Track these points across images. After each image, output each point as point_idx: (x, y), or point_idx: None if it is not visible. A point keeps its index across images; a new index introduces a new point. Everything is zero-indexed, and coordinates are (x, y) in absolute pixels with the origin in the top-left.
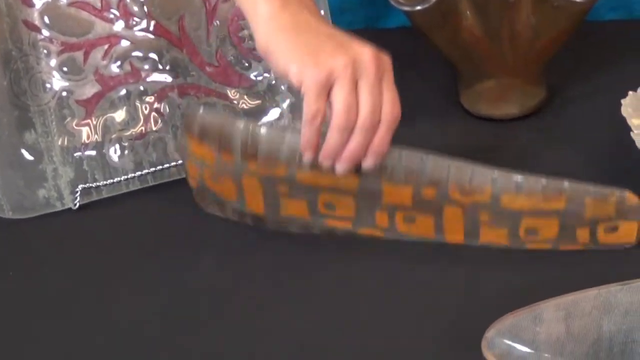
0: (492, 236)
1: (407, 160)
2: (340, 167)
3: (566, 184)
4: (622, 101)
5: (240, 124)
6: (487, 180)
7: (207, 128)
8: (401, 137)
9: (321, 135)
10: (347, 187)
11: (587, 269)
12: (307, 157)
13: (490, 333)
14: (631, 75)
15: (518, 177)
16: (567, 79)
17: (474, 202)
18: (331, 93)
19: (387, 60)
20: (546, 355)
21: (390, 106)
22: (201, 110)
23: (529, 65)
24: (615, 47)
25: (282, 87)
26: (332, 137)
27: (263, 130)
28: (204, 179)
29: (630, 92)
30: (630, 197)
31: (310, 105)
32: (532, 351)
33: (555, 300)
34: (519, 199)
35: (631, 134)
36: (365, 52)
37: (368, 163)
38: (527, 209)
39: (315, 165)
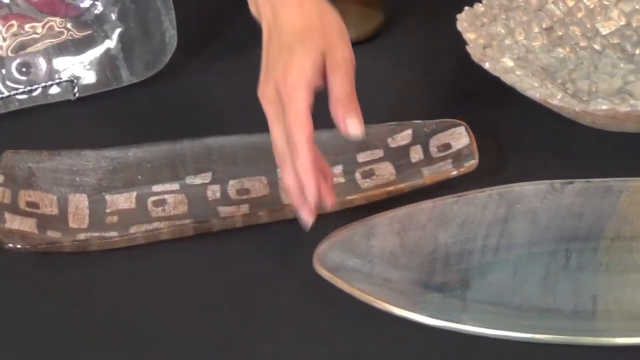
0: None
1: None
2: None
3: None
4: (458, 16)
5: None
6: None
7: None
8: (237, 67)
9: None
10: None
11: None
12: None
13: (322, 247)
14: None
15: None
16: (405, 1)
17: None
18: None
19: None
20: (380, 268)
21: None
22: None
23: None
24: None
25: (112, 16)
26: None
27: None
28: None
29: (467, 8)
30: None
31: None
32: (365, 264)
33: (389, 213)
34: None
35: (467, 47)
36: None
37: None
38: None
39: None
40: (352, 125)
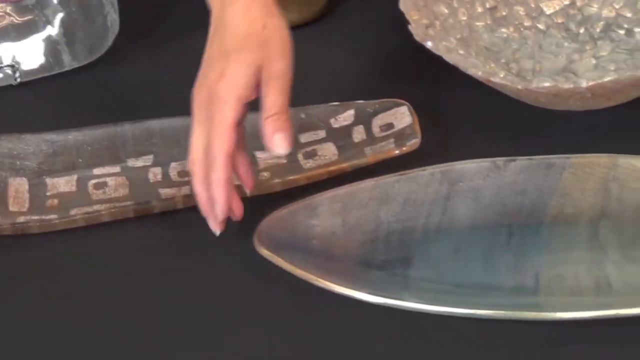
0: None
1: None
2: None
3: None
4: None
5: None
6: None
7: None
8: (179, 51)
9: None
10: None
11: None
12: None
13: (262, 226)
14: None
15: None
16: None
17: None
18: None
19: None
20: (321, 247)
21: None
22: None
23: None
24: None
25: (53, 0)
26: None
27: None
28: None
29: None
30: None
31: None
32: (306, 243)
33: (331, 192)
34: None
35: (409, 27)
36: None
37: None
38: None
39: None
40: (278, 141)
